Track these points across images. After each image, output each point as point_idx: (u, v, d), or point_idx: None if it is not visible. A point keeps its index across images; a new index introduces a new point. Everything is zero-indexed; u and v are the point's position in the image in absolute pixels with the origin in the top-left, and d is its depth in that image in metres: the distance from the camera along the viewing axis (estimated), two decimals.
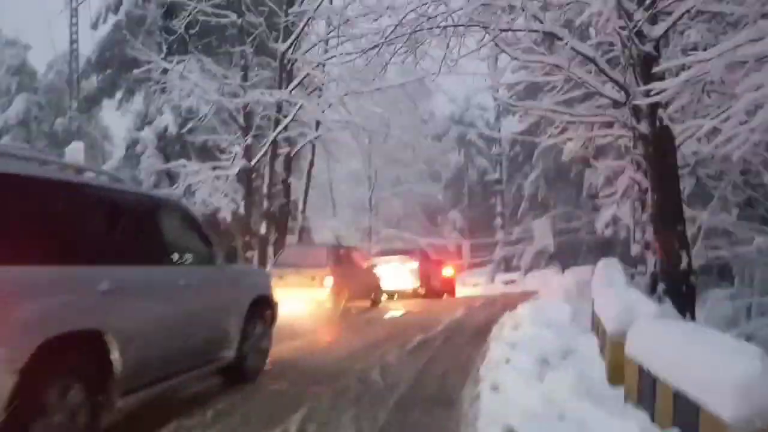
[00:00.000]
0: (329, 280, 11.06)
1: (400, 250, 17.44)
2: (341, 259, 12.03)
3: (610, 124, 14.88)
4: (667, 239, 8.77)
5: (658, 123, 8.77)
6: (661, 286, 9.45)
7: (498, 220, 32.61)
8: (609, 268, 9.44)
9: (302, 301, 10.88)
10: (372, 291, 12.93)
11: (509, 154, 35.45)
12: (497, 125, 35.16)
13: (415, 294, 15.22)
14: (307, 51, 16.97)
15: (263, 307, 5.71)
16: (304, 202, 19.29)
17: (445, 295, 16.84)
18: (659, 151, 8.97)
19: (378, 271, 13.66)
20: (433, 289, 15.98)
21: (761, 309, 11.25)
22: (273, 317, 5.96)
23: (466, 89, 33.41)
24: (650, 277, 9.92)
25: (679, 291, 8.58)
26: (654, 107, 10.41)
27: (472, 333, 8.66)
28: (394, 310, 12.23)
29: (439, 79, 10.66)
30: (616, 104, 13.76)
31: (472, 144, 38.17)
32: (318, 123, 18.59)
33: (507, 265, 31.53)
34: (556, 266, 28.52)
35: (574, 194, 32.49)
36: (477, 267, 31.29)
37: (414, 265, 15.04)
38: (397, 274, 14.76)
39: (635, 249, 19.23)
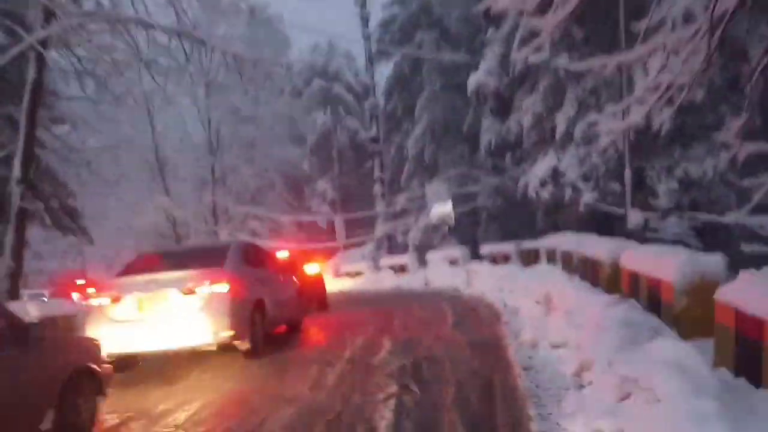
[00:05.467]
0: None
1: (188, 251, 8.13)
2: None
3: None
4: None
5: None
6: None
7: (377, 188, 24.59)
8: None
9: None
10: (53, 396, 4.11)
11: (385, 109, 27.61)
12: (369, 73, 27.22)
13: (226, 348, 6.50)
14: None
15: None
16: (25, 163, 9.83)
17: (311, 318, 8.48)
18: None
19: (94, 322, 4.91)
20: (287, 319, 7.51)
21: None
22: None
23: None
24: None
25: None
26: None
27: None
28: None
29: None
30: None
31: (340, 100, 30.33)
32: (51, 16, 9.44)
33: (389, 243, 23.84)
34: (454, 244, 21.15)
35: (467, 152, 25.12)
36: (355, 248, 23.35)
37: (220, 288, 6.20)
38: (169, 314, 5.99)
39: (635, 218, 11.52)
